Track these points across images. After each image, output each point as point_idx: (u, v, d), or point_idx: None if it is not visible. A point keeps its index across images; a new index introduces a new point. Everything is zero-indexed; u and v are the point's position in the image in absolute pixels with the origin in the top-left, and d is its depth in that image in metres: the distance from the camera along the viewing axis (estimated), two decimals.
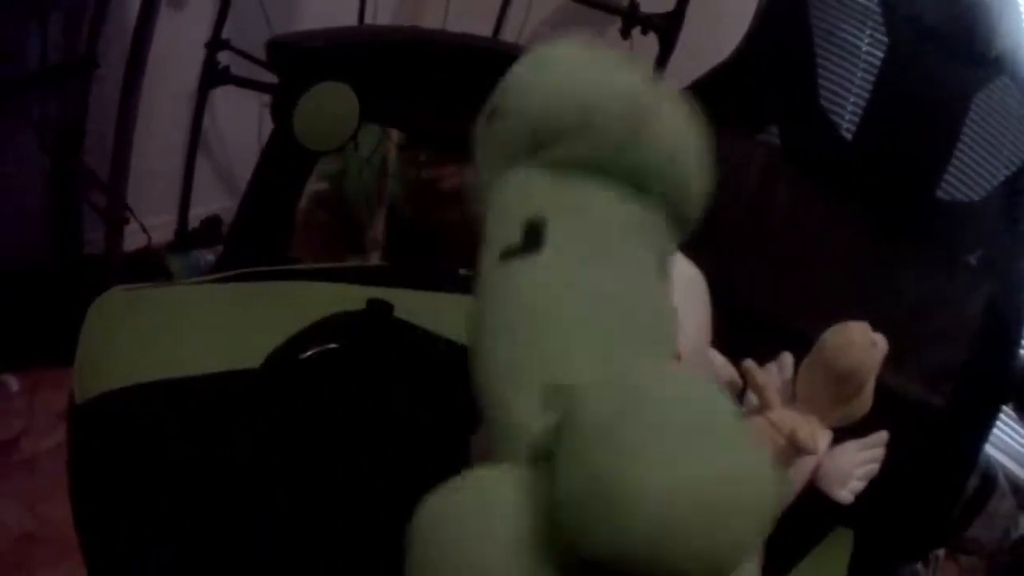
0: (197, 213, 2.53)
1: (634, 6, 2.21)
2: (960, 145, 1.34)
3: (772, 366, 1.22)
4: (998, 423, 1.34)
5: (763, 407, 1.12)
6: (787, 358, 1.22)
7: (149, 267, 2.33)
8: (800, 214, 1.40)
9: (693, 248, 1.20)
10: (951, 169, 1.34)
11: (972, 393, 1.26)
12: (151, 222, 2.33)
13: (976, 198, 1.34)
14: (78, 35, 1.93)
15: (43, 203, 2.05)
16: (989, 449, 1.93)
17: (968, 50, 1.35)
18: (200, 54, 2.29)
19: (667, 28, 2.15)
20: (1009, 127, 1.34)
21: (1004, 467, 2.10)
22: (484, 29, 2.62)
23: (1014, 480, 2.10)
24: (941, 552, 1.99)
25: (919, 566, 1.27)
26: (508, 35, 2.67)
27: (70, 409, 0.98)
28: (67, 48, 1.92)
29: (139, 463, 0.90)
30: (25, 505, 1.67)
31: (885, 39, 1.38)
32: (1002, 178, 1.33)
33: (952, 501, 1.28)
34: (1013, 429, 2.14)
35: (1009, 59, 1.34)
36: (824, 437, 1.13)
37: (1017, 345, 1.27)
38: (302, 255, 1.61)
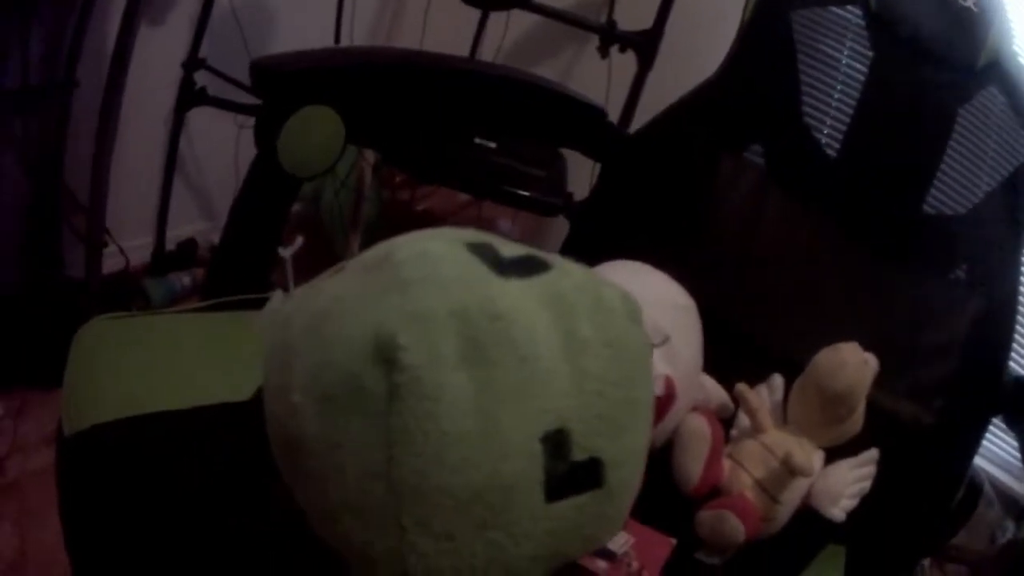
0: (173, 235, 2.51)
1: (612, 24, 2.19)
2: (946, 158, 1.34)
3: (763, 388, 1.22)
4: None
5: (756, 430, 1.13)
6: (777, 380, 1.22)
7: (127, 290, 2.31)
8: (788, 235, 1.40)
9: (683, 274, 1.21)
10: (937, 183, 1.34)
11: (962, 408, 1.27)
12: (128, 244, 2.31)
13: (962, 211, 1.34)
14: (59, 53, 1.91)
15: (22, 226, 2.02)
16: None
17: (954, 63, 1.35)
18: (176, 74, 2.27)
19: (646, 46, 2.13)
20: (993, 137, 1.34)
21: (989, 474, 2.10)
22: (461, 48, 2.61)
23: (999, 487, 2.11)
24: (927, 561, 1.99)
25: None
26: (486, 54, 2.66)
27: (58, 442, 0.97)
28: (48, 66, 1.90)
29: (130, 497, 0.88)
30: (14, 528, 1.66)
31: (869, 53, 1.38)
32: (988, 188, 1.34)
33: (943, 515, 1.28)
34: (998, 436, 2.15)
35: (996, 71, 1.34)
36: (817, 457, 1.13)
37: (1006, 359, 1.27)
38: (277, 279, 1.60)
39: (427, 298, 0.62)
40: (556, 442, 0.63)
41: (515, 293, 0.65)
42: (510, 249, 0.70)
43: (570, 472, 0.64)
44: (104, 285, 2.12)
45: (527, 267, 0.70)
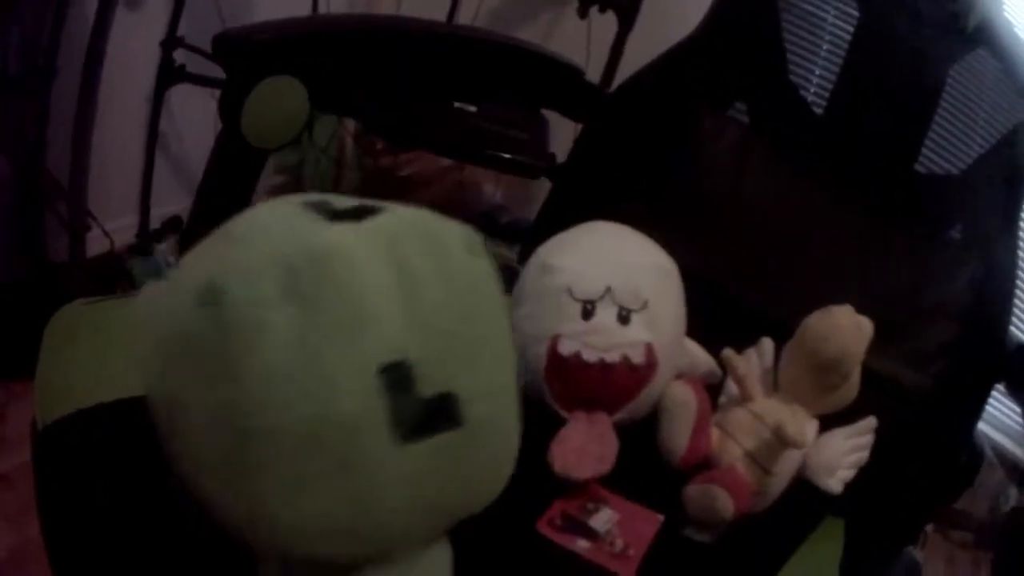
0: (158, 214, 2.49)
1: None
2: (937, 118, 1.31)
3: (752, 353, 1.19)
4: None
5: (745, 398, 1.09)
6: (767, 344, 1.19)
7: (113, 271, 2.30)
8: (774, 195, 1.37)
9: (666, 234, 1.18)
10: (928, 143, 1.31)
11: (963, 374, 1.23)
12: (112, 225, 2.29)
13: (955, 171, 1.31)
14: (38, 43, 1.90)
15: (4, 215, 2.02)
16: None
17: (944, 22, 1.32)
18: (155, 53, 2.25)
19: (626, 5, 2.11)
20: (986, 99, 1.31)
21: (991, 439, 2.09)
22: (439, 13, 2.58)
23: (1001, 452, 2.09)
24: (930, 527, 1.99)
25: (911, 546, 1.24)
26: (463, 18, 2.63)
27: (33, 433, 0.95)
28: (27, 56, 1.89)
29: (104, 486, 0.87)
30: (7, 522, 1.64)
31: (856, 13, 1.35)
32: (980, 151, 1.31)
33: (944, 483, 1.25)
34: (1000, 400, 2.13)
35: (986, 30, 1.31)
36: (810, 427, 1.10)
37: (1007, 324, 1.24)
38: None
39: (250, 247, 0.64)
40: (395, 376, 0.63)
41: (341, 235, 0.66)
42: (344, 202, 0.72)
43: (420, 410, 0.64)
44: (90, 268, 2.11)
45: (357, 213, 0.70)
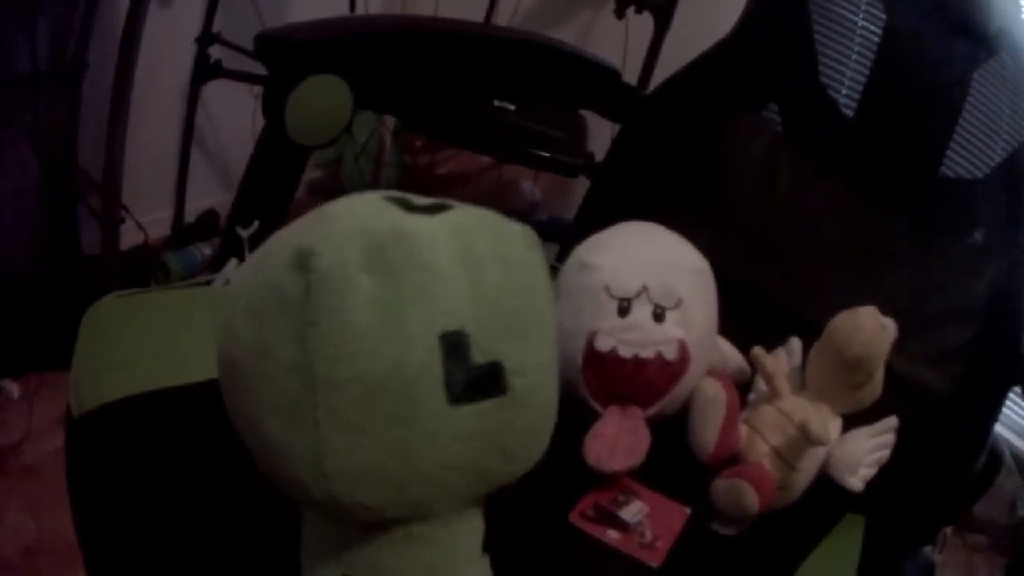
0: (193, 208, 2.52)
1: None
2: (961, 122, 1.32)
3: (780, 352, 1.21)
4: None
5: (773, 396, 1.11)
6: (795, 343, 1.21)
7: (146, 264, 2.32)
8: (805, 196, 1.39)
9: (700, 234, 1.20)
10: (953, 146, 1.32)
11: (982, 376, 1.24)
12: (147, 218, 2.31)
13: (979, 175, 1.32)
14: (68, 37, 1.91)
15: (39, 206, 2.04)
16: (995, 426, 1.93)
17: (966, 27, 1.33)
18: (191, 49, 2.28)
19: (663, 7, 2.12)
20: (1008, 104, 1.32)
21: (1009, 444, 2.09)
22: (476, 14, 2.60)
23: (1020, 457, 2.09)
24: (948, 530, 1.98)
25: (928, 548, 1.25)
26: (501, 19, 2.64)
27: (67, 423, 0.97)
28: (57, 50, 1.90)
29: (137, 475, 0.89)
30: (30, 512, 1.66)
31: (883, 16, 1.37)
32: (1003, 155, 1.32)
33: (963, 484, 1.26)
34: (1019, 405, 2.13)
35: (1007, 35, 1.33)
36: (835, 425, 1.12)
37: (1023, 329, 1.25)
38: None
39: (342, 221, 0.71)
40: (454, 342, 0.68)
41: (420, 220, 0.73)
42: (421, 200, 0.77)
43: (471, 375, 0.68)
44: (123, 261, 2.13)
45: (434, 208, 0.76)
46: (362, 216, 0.72)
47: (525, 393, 0.71)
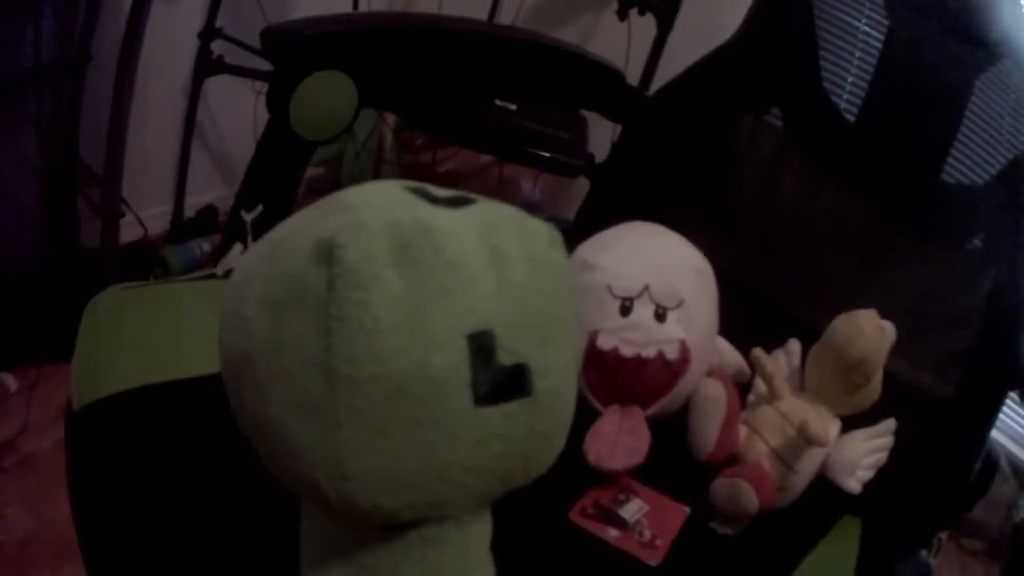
0: (193, 202, 2.51)
1: None
2: (963, 128, 1.33)
3: (780, 354, 1.21)
4: None
5: (772, 397, 1.12)
6: (795, 345, 1.21)
7: (146, 259, 2.32)
8: (806, 199, 1.39)
9: (701, 236, 1.21)
10: (954, 152, 1.33)
11: (980, 381, 1.25)
12: (147, 213, 2.30)
13: (980, 181, 1.33)
14: (72, 29, 1.91)
15: (39, 199, 2.03)
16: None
17: (968, 33, 1.34)
18: (193, 44, 2.27)
19: (665, 9, 2.12)
20: (1009, 111, 1.33)
21: (1005, 449, 2.09)
22: (479, 12, 2.60)
23: (1015, 463, 2.10)
24: (944, 535, 1.99)
25: (924, 552, 1.26)
26: (504, 18, 2.64)
27: (67, 415, 0.97)
28: (60, 43, 1.90)
29: (137, 469, 0.89)
30: (26, 505, 1.66)
31: (885, 21, 1.37)
32: (1004, 161, 1.32)
33: (959, 488, 1.27)
34: (1014, 411, 2.14)
35: (1009, 42, 1.33)
36: (833, 427, 1.13)
37: (1020, 334, 1.26)
38: None
39: (365, 213, 0.67)
40: (480, 342, 0.66)
41: (446, 213, 0.71)
42: (442, 191, 0.76)
43: (497, 376, 0.67)
44: (123, 255, 2.13)
45: (457, 201, 0.74)
46: (383, 207, 0.69)
47: (548, 395, 0.70)
